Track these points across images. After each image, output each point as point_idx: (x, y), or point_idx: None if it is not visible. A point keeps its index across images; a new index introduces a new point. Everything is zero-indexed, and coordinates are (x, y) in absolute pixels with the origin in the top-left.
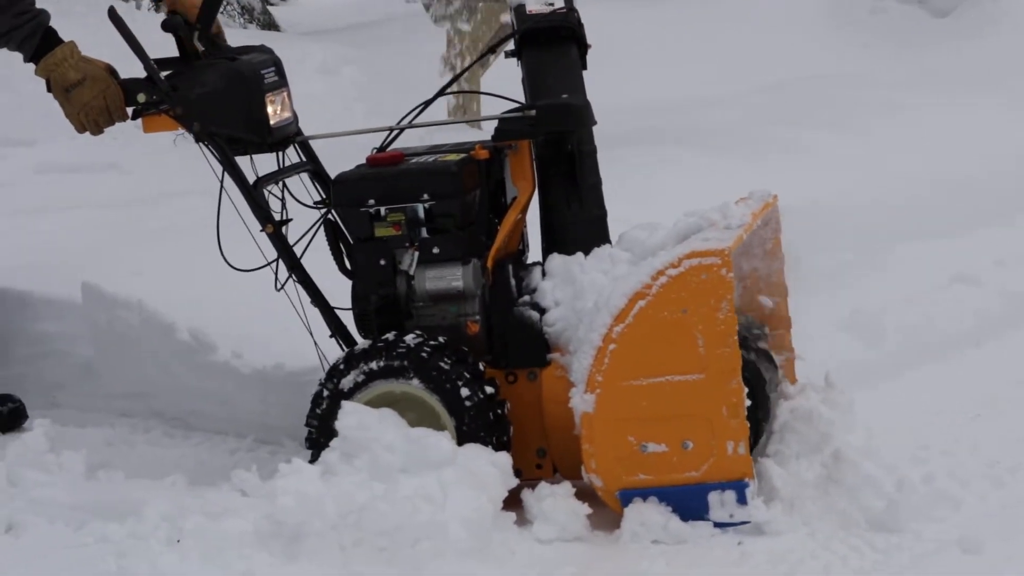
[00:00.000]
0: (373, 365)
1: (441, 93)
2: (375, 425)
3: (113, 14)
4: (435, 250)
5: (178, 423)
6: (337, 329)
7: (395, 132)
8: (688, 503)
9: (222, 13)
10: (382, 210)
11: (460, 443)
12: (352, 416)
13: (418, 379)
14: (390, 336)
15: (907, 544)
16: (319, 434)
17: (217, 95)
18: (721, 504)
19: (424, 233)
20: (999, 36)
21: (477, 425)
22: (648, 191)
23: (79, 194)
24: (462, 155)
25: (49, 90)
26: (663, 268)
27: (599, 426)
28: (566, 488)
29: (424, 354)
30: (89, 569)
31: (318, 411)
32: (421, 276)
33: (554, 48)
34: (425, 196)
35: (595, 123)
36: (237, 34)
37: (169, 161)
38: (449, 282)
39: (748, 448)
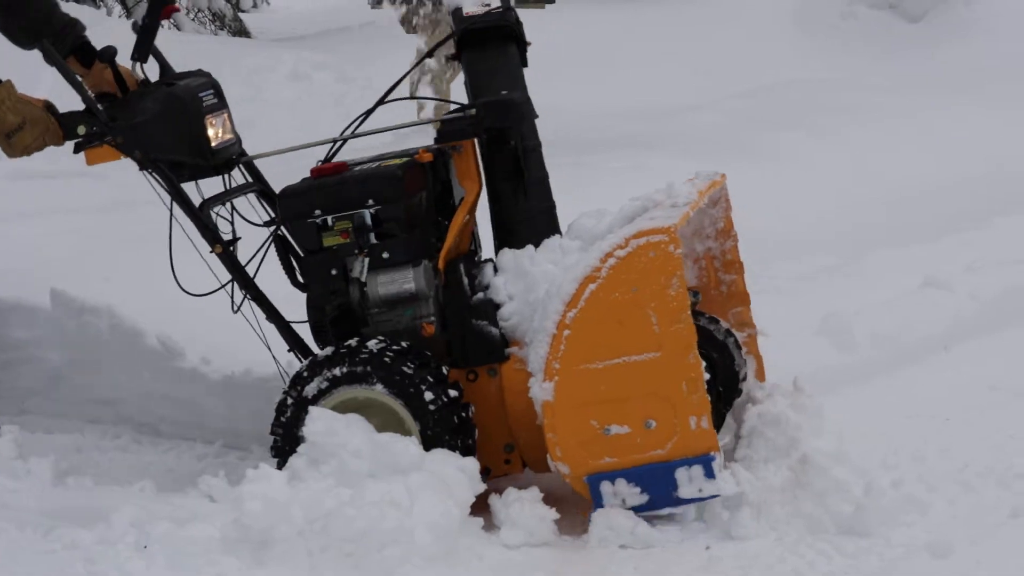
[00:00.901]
0: (336, 371)
1: (381, 103)
2: (342, 431)
3: (46, 50)
4: (384, 255)
5: (147, 429)
6: (295, 343)
7: (338, 144)
8: (656, 482)
9: (193, 19)
10: (329, 220)
11: (426, 447)
12: (319, 422)
13: (382, 384)
14: (352, 342)
15: (876, 548)
16: (284, 442)
17: (157, 121)
18: (689, 480)
19: (372, 239)
20: (971, 41)
21: (442, 429)
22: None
23: (52, 201)
24: (405, 159)
25: None
26: (611, 250)
27: (560, 413)
28: (533, 493)
29: (387, 359)
30: (58, 574)
31: (283, 419)
32: (373, 282)
33: (493, 48)
34: (370, 202)
35: (536, 117)
36: (208, 40)
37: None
38: (401, 285)
39: (711, 422)
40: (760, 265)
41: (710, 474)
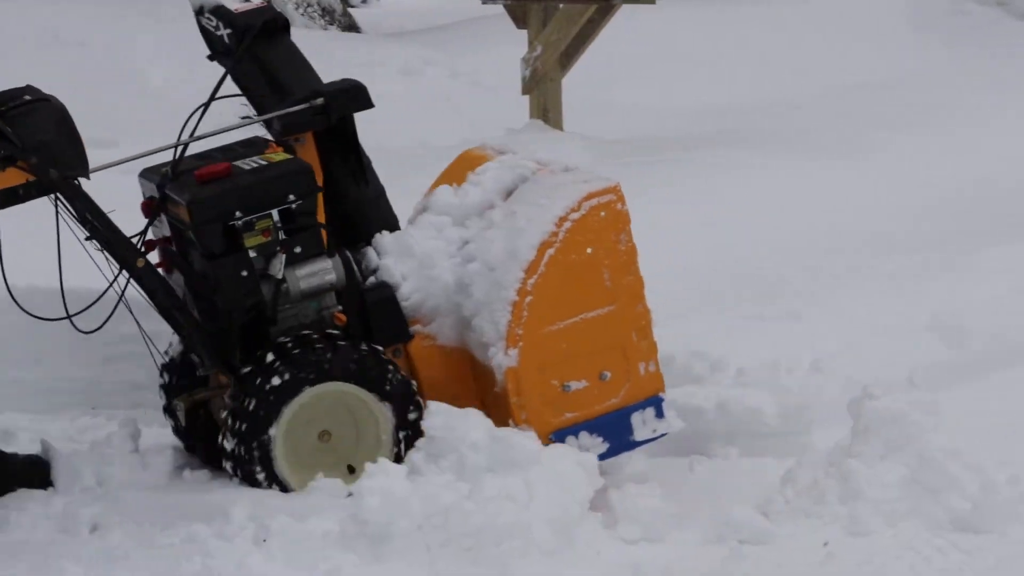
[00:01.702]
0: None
1: (211, 100)
2: (460, 425)
3: None
4: (297, 249)
5: None
6: (221, 353)
7: (183, 147)
8: (615, 429)
9: (302, 14)
10: (252, 220)
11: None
12: (438, 416)
13: (344, 376)
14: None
15: (992, 545)
16: (248, 452)
17: (61, 136)
18: (643, 422)
19: (281, 235)
20: None
21: (404, 407)
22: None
23: None
24: (288, 154)
25: None
26: (565, 214)
27: (525, 377)
28: (652, 488)
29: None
30: (175, 569)
31: (243, 427)
32: (292, 277)
33: (280, 39)
34: (291, 197)
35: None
36: (318, 35)
37: None
38: (322, 278)
39: (658, 365)
40: (866, 261)
41: (660, 414)
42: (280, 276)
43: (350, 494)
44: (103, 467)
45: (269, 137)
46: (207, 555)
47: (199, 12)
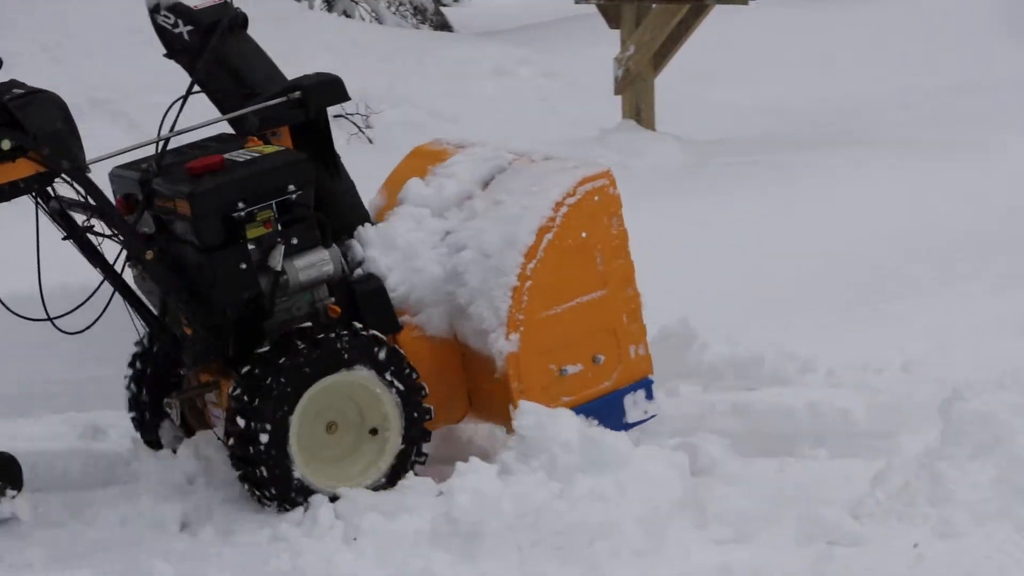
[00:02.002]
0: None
1: (186, 96)
2: (552, 425)
3: None
4: (294, 240)
5: None
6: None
7: (164, 142)
8: (608, 412)
9: (395, 12)
10: (254, 211)
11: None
12: (529, 416)
13: (360, 365)
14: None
15: None
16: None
17: (67, 127)
18: (634, 404)
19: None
20: None
21: (412, 396)
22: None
23: None
24: (278, 146)
25: None
26: (561, 199)
27: (525, 362)
28: (743, 489)
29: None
30: (263, 567)
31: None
32: (291, 269)
33: (242, 36)
34: (291, 187)
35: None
36: (411, 34)
37: None
38: (320, 269)
39: (647, 347)
40: (958, 261)
41: (650, 396)
42: (279, 268)
43: (440, 493)
44: (192, 467)
45: (231, 133)
46: (296, 554)
47: (154, 10)
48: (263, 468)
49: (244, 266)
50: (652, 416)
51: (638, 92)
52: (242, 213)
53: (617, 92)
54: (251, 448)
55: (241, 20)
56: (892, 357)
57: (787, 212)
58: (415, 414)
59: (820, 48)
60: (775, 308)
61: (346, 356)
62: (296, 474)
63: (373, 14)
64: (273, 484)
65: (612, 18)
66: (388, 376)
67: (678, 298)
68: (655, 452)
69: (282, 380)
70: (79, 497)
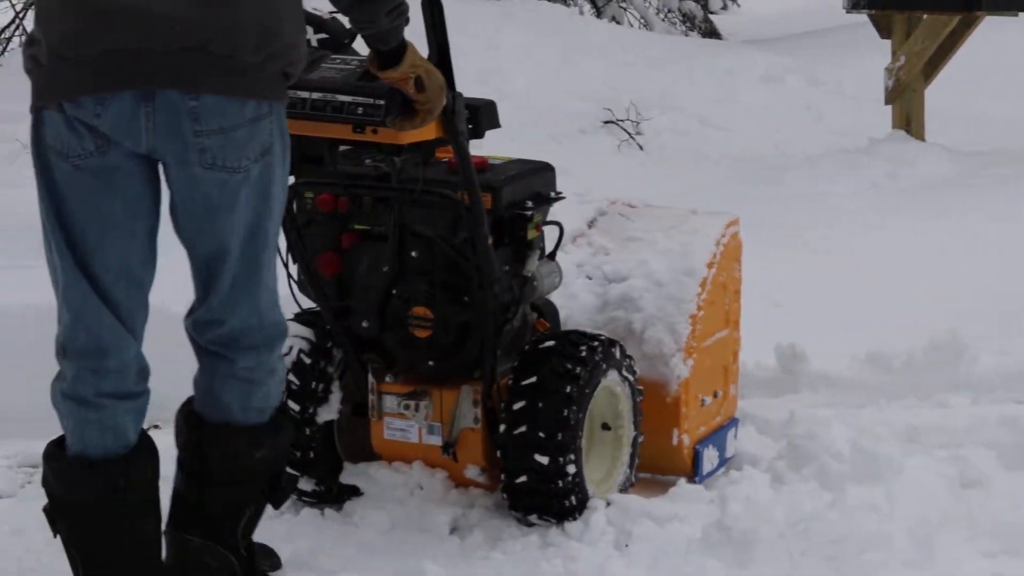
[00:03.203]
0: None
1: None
2: (824, 434)
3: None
4: (544, 247)
5: None
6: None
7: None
8: (720, 445)
9: (663, 19)
10: (530, 212)
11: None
12: (802, 424)
13: (615, 371)
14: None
15: None
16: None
17: None
18: (731, 440)
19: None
20: None
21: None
22: None
23: None
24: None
25: (417, 89)
26: (719, 237)
27: (691, 388)
28: (1014, 502)
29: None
30: (535, 571)
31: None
32: (539, 275)
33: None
34: (553, 193)
35: None
36: (680, 41)
37: None
38: (554, 280)
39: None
40: None
41: (736, 435)
42: (531, 274)
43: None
44: None
45: None
46: (568, 559)
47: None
48: (572, 498)
49: (507, 267)
50: (733, 455)
51: (908, 102)
52: (529, 212)
53: (888, 102)
54: (559, 482)
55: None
56: None
57: None
58: (639, 399)
59: None
60: None
61: (604, 365)
62: (591, 491)
63: (642, 20)
64: (578, 509)
65: (883, 28)
66: (624, 372)
67: (948, 309)
68: (925, 463)
69: (574, 408)
70: None
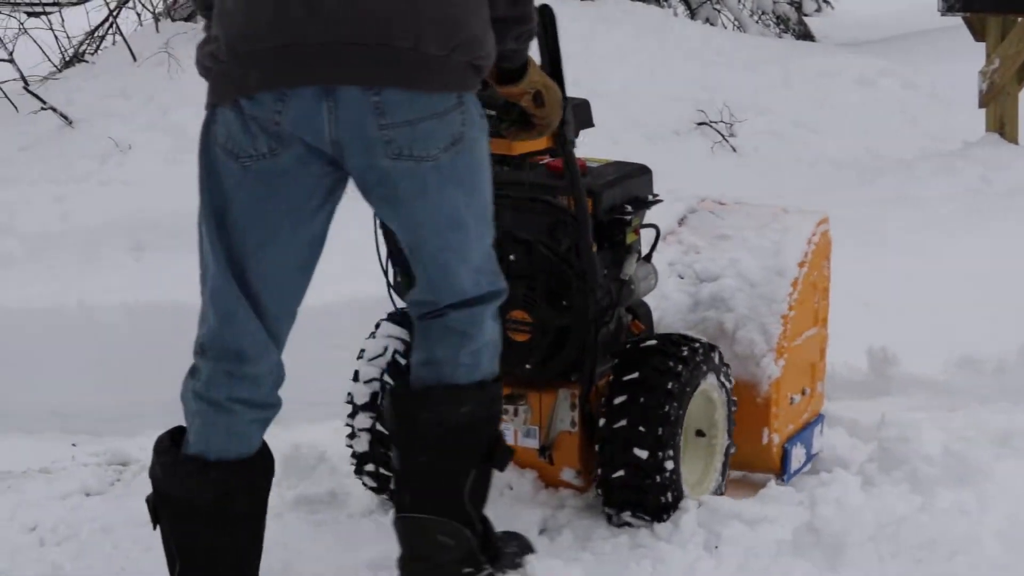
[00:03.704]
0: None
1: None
2: (915, 437)
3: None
4: (641, 250)
5: None
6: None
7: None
8: (807, 442)
9: (757, 21)
10: (629, 216)
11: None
12: (892, 428)
13: (713, 374)
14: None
15: None
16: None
17: None
18: (818, 436)
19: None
20: None
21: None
22: None
23: None
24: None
25: (536, 104)
26: (810, 236)
27: (782, 388)
28: None
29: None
30: (624, 572)
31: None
32: (636, 279)
33: None
34: (650, 197)
35: None
36: (774, 43)
37: None
38: (650, 283)
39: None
40: None
41: (821, 431)
42: (628, 277)
43: (800, 503)
44: None
45: None
46: (658, 560)
47: None
48: (668, 495)
49: (605, 271)
50: (820, 451)
51: (1002, 105)
52: (628, 217)
53: (982, 105)
54: (657, 477)
55: None
56: None
57: None
58: (734, 410)
59: None
60: None
61: (704, 367)
62: (686, 491)
63: (736, 22)
64: (673, 507)
65: (978, 31)
66: (722, 379)
67: None
68: (1017, 467)
69: (675, 404)
70: None
